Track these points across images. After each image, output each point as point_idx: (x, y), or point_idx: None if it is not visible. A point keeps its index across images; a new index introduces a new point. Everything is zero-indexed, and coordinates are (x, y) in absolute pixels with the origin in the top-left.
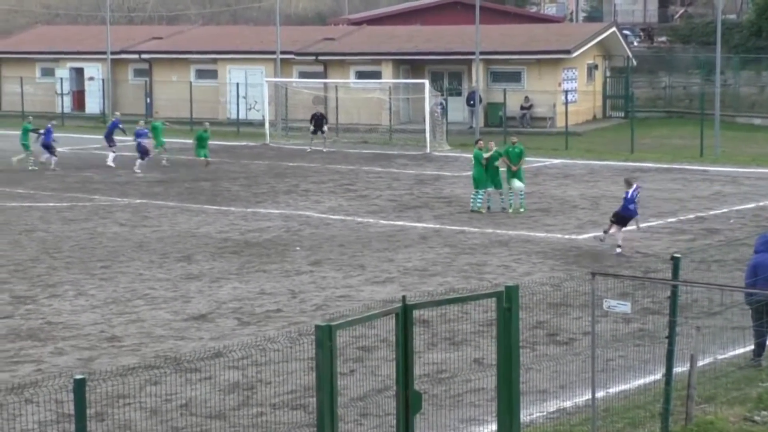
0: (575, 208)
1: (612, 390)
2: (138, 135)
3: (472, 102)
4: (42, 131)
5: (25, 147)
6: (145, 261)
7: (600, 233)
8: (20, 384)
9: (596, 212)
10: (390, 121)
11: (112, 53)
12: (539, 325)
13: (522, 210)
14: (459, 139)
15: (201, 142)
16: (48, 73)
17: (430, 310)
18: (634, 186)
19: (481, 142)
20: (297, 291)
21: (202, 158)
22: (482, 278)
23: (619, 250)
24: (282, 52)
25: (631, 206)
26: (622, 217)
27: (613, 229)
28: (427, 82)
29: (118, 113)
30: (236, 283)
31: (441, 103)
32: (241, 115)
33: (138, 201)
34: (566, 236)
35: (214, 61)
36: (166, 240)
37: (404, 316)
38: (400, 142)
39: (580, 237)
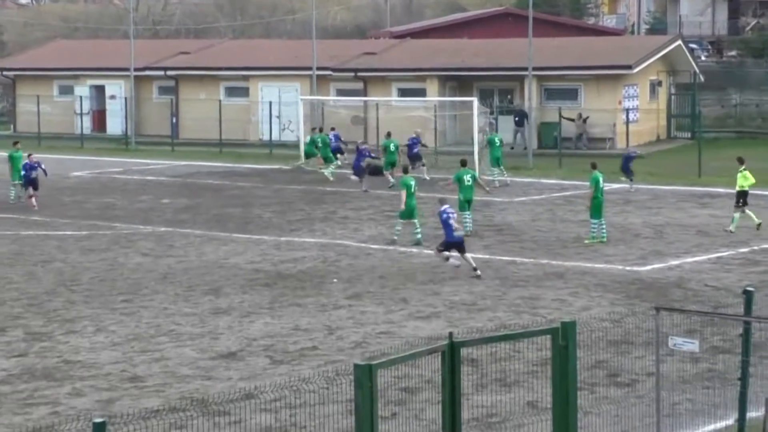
0: (637, 237)
1: None
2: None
3: (517, 119)
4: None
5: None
6: (170, 294)
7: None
8: (35, 428)
9: (661, 241)
10: (435, 142)
11: (136, 69)
12: (598, 364)
13: (588, 240)
14: (510, 162)
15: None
16: (66, 91)
17: (479, 348)
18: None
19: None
20: (334, 327)
21: None
22: (536, 313)
23: None
24: (318, 68)
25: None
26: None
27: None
28: (475, 100)
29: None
30: (268, 318)
31: (491, 122)
32: (274, 136)
33: (162, 229)
34: (628, 267)
35: (245, 77)
36: (193, 271)
37: (451, 355)
38: (447, 165)
39: (643, 269)
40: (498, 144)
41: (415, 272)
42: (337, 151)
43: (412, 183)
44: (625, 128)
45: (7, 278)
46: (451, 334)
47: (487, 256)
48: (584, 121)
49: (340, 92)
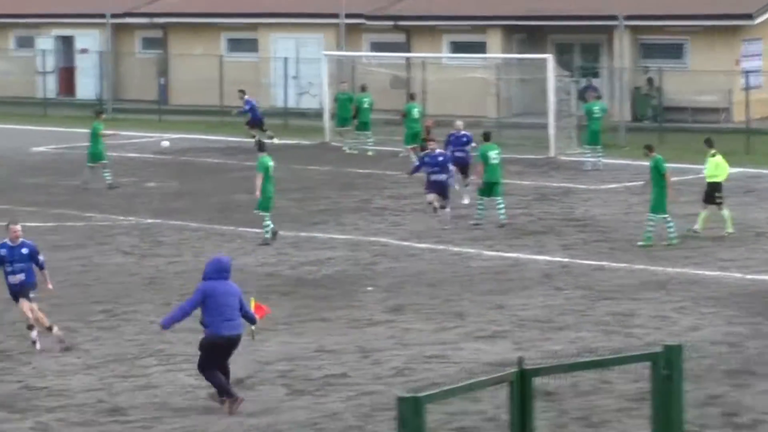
0: (761, 237)
1: None
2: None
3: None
4: None
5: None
6: (158, 304)
7: None
8: None
9: None
10: (498, 111)
11: (114, 16)
12: (711, 400)
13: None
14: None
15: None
16: (26, 43)
17: (557, 378)
18: None
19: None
20: (369, 348)
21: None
22: (630, 334)
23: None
24: (348, 15)
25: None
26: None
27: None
28: (550, 58)
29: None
30: (285, 336)
31: (592, 87)
32: (291, 102)
33: (148, 221)
34: (749, 276)
35: (254, 26)
36: (188, 275)
37: (521, 386)
38: (513, 142)
39: None
40: (598, 115)
41: (474, 279)
42: (259, 121)
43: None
44: (745, 96)
45: None
46: (521, 359)
47: (566, 260)
48: (651, 84)
49: (376, 46)
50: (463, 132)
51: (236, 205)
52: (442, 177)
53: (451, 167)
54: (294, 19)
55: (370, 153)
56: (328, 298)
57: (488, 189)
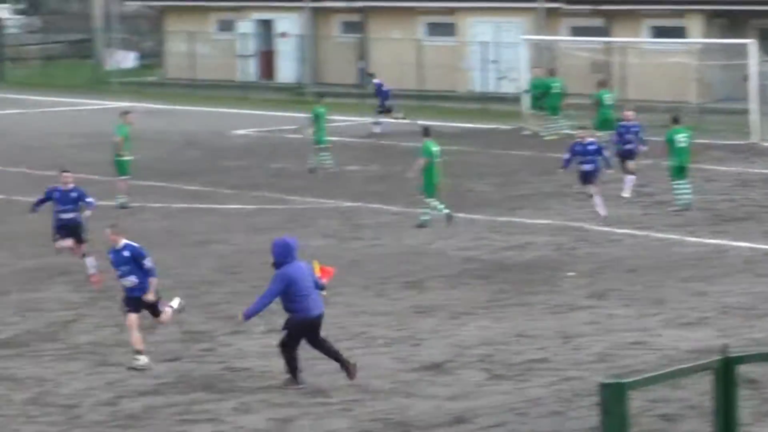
0: None
1: None
2: None
3: None
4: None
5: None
6: (360, 287)
7: None
8: None
9: None
10: (699, 97)
11: (313, 0)
12: None
13: None
14: None
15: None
16: (227, 27)
17: (762, 366)
18: None
19: None
20: (570, 334)
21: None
22: None
23: None
24: (547, 0)
25: None
26: None
27: None
28: (753, 43)
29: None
30: (484, 320)
31: None
32: (490, 87)
33: (348, 204)
34: None
35: (451, 11)
36: (388, 259)
37: (724, 374)
38: (715, 127)
39: None
40: None
41: (675, 265)
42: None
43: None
44: None
45: (157, 262)
46: (725, 347)
47: None
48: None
49: (575, 31)
50: (633, 122)
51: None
52: (591, 167)
53: (606, 154)
54: (492, 3)
55: (553, 137)
56: (528, 283)
57: (677, 172)
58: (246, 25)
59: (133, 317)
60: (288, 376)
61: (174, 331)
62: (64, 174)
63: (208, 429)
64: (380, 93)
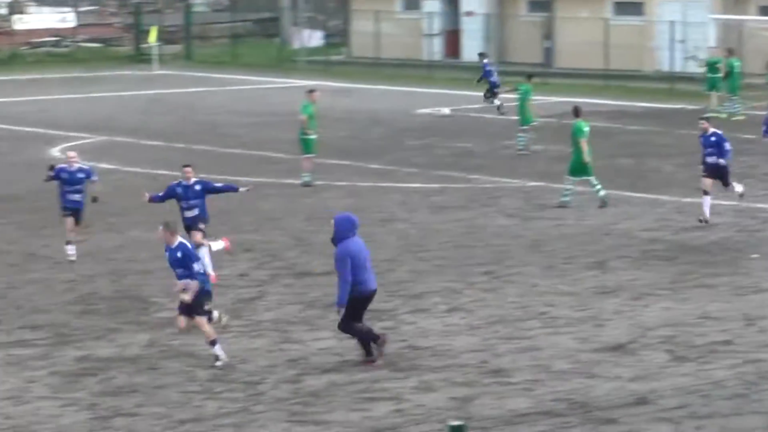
0: None
1: None
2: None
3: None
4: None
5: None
6: (542, 266)
7: None
8: (375, 429)
9: None
10: None
11: None
12: None
13: None
14: None
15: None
16: (412, 5)
17: None
18: None
19: None
20: (755, 316)
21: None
22: None
23: None
24: None
25: None
26: None
27: None
28: None
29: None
30: (668, 301)
31: None
32: (677, 67)
33: (532, 183)
34: None
35: None
36: (571, 238)
37: None
38: None
39: None
40: None
41: None
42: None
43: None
44: None
45: None
46: None
47: None
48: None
49: (765, 10)
50: None
51: (619, 169)
52: (717, 159)
53: (728, 147)
54: None
55: (740, 117)
56: (712, 264)
57: None
58: (432, 4)
59: (200, 319)
60: (369, 346)
61: None
62: (186, 169)
63: (389, 407)
64: (487, 74)
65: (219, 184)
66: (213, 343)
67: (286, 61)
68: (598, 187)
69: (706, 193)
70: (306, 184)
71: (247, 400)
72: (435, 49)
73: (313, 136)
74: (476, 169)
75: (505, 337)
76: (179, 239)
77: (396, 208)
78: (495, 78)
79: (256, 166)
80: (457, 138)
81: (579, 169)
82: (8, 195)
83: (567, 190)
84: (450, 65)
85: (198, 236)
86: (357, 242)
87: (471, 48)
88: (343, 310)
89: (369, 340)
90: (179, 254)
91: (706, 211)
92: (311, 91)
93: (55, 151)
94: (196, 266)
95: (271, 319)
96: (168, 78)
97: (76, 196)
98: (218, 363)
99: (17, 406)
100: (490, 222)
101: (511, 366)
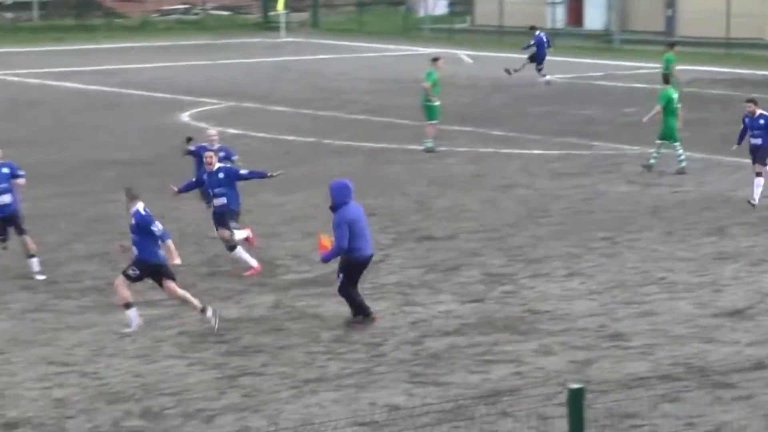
0: None
1: None
2: None
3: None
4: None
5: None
6: (661, 232)
7: None
8: (494, 391)
9: None
10: None
11: None
12: None
13: None
14: None
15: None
16: None
17: None
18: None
19: None
20: None
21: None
22: None
23: None
24: None
25: None
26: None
27: None
28: None
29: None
30: None
31: None
32: None
33: (653, 151)
34: None
35: None
36: (690, 205)
37: None
38: None
39: None
40: None
41: None
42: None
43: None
44: None
45: (462, 205)
46: None
47: None
48: None
49: None
50: None
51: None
52: (760, 141)
53: None
54: None
55: None
56: None
57: None
58: None
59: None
60: (357, 316)
61: (476, 273)
62: (207, 154)
63: (508, 369)
64: (540, 46)
65: (245, 171)
66: (127, 306)
67: (410, 29)
68: (682, 158)
69: (759, 174)
70: (429, 150)
71: (369, 360)
72: (558, 17)
73: (436, 103)
74: (598, 135)
75: (624, 302)
76: (137, 206)
77: (517, 174)
78: (545, 51)
79: (379, 132)
80: (578, 105)
81: (668, 134)
82: (139, 159)
83: (679, 154)
84: (572, 33)
85: (225, 233)
86: (355, 208)
87: (594, 16)
88: (341, 276)
89: (360, 312)
90: (133, 221)
91: (757, 193)
92: (435, 59)
93: (185, 117)
94: (154, 228)
95: (394, 282)
96: (295, 45)
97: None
98: (126, 330)
99: (146, 365)
100: (610, 188)
101: (629, 330)
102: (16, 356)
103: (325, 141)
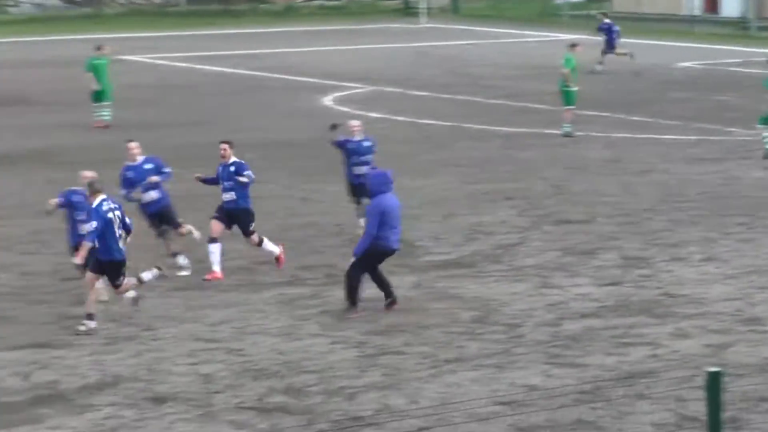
0: None
1: None
2: None
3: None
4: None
5: None
6: None
7: None
8: (631, 373)
9: None
10: None
11: None
12: None
13: None
14: None
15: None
16: None
17: None
18: None
19: None
20: None
21: None
22: None
23: None
24: None
25: None
26: None
27: None
28: None
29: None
30: None
31: None
32: None
33: None
34: None
35: None
36: None
37: None
38: None
39: None
40: None
41: None
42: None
43: None
44: None
45: (598, 190)
46: None
47: None
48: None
49: None
50: None
51: None
52: None
53: None
54: None
55: None
56: None
57: None
58: None
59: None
60: (347, 304)
61: (613, 257)
62: (222, 145)
63: (645, 352)
64: (610, 33)
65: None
66: (89, 316)
67: (549, 15)
68: None
69: None
70: (566, 135)
71: (508, 342)
72: (695, 4)
73: (574, 89)
74: (734, 121)
75: (761, 287)
76: (99, 199)
77: (654, 159)
78: (615, 38)
79: (517, 117)
80: (715, 91)
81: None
82: (284, 142)
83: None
84: (709, 20)
85: (255, 240)
86: (391, 199)
87: (730, 3)
88: (357, 257)
89: (353, 299)
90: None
91: None
92: (574, 45)
93: (328, 101)
94: (87, 226)
95: (532, 265)
96: (435, 31)
97: (363, 168)
98: (81, 328)
99: (289, 343)
100: (746, 174)
101: (766, 315)
102: (164, 333)
103: (464, 125)
